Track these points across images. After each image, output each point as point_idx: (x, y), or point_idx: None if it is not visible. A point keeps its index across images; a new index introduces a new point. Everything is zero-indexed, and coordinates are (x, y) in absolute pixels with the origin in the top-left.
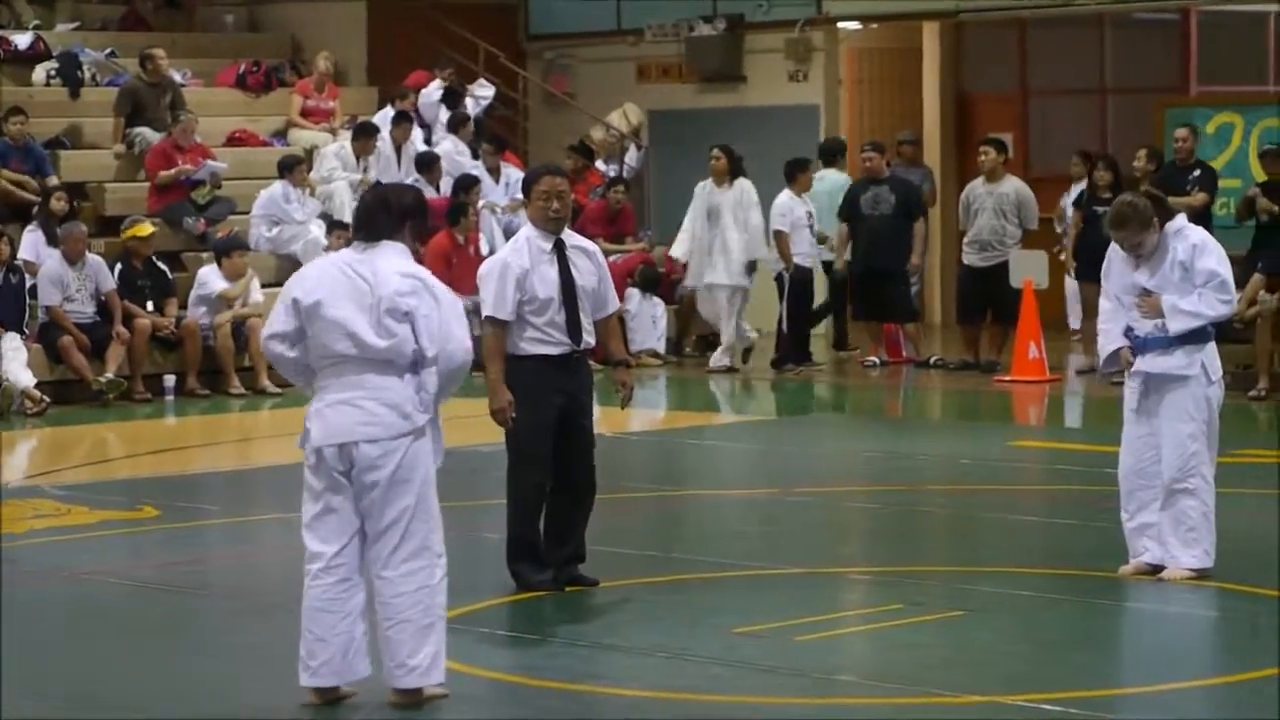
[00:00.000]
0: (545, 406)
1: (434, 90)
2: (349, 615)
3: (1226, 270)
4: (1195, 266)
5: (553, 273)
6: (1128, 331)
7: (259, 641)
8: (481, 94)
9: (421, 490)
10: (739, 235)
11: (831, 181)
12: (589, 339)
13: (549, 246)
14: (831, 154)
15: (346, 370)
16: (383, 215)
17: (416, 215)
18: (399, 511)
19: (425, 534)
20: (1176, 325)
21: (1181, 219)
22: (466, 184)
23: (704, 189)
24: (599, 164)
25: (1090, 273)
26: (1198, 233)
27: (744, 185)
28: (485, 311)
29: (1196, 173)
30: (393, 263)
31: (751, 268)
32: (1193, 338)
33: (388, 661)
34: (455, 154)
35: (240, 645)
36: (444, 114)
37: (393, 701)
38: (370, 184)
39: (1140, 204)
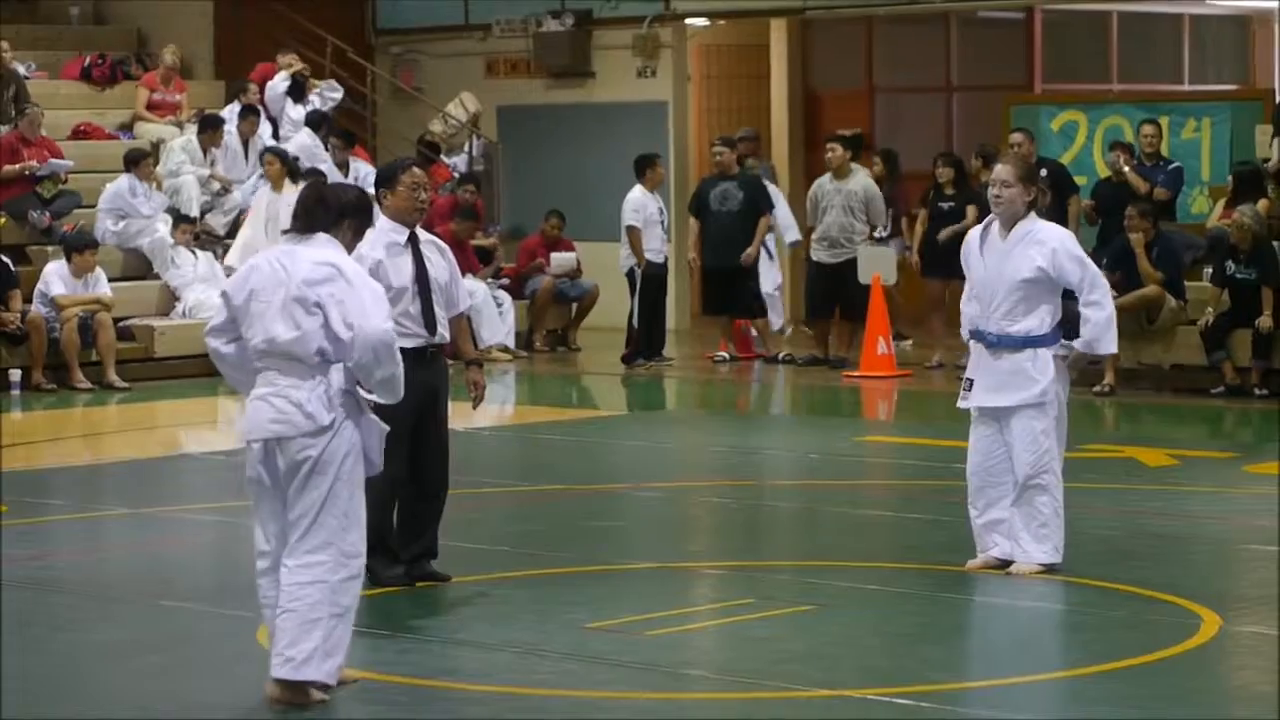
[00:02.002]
0: (400, 401)
1: (280, 82)
2: None
3: (1081, 251)
4: (1064, 267)
5: (407, 264)
6: (975, 332)
7: (104, 639)
8: (331, 94)
9: (335, 486)
10: None
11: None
12: (444, 333)
13: (403, 239)
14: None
15: (267, 365)
16: (319, 211)
17: (356, 213)
18: (309, 504)
19: (334, 530)
20: (1109, 337)
21: (1047, 222)
22: (311, 175)
23: (261, 196)
24: (443, 158)
25: (934, 269)
26: (1054, 233)
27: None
28: None
29: (1043, 172)
30: (313, 252)
31: None
32: (1040, 340)
33: (271, 649)
34: (312, 148)
35: (84, 642)
36: (291, 108)
37: (269, 693)
38: (220, 177)
39: (1027, 162)
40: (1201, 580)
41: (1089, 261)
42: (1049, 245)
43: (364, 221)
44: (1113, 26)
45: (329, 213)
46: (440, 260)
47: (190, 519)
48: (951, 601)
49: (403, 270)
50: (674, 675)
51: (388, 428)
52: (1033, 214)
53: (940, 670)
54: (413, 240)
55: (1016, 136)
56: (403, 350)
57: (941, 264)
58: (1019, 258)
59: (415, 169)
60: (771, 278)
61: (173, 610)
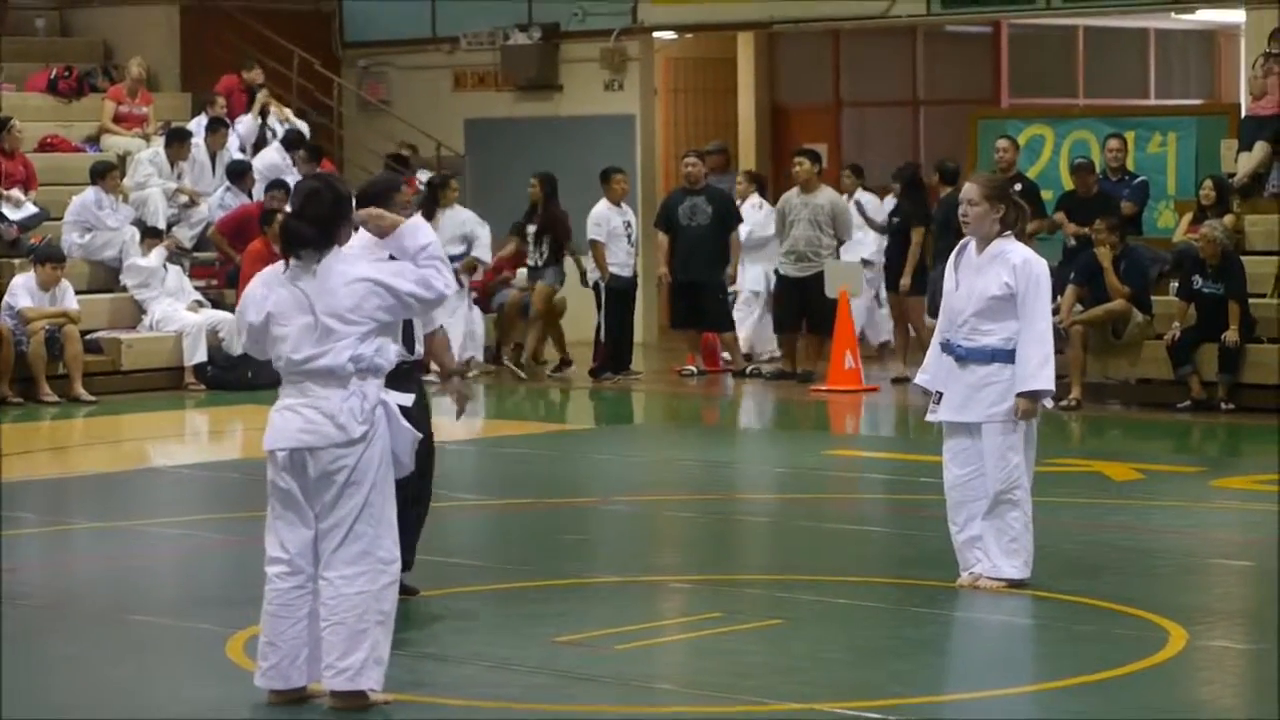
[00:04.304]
0: None
1: (247, 118)
2: (300, 621)
3: (1048, 288)
4: (1021, 282)
5: None
6: (946, 344)
7: (69, 652)
8: (300, 126)
9: (370, 495)
10: None
11: None
12: (419, 348)
13: (385, 255)
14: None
15: (294, 377)
16: (316, 234)
17: (342, 211)
18: (343, 514)
19: (371, 538)
20: (1044, 374)
21: (1013, 242)
22: (275, 187)
23: None
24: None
25: (894, 284)
26: (1024, 252)
27: None
28: None
29: (1017, 186)
30: (338, 272)
31: None
32: (1009, 355)
33: (323, 661)
34: (281, 165)
35: (49, 655)
36: (245, 126)
37: (330, 704)
38: (187, 190)
39: (1001, 182)
40: (1168, 594)
41: (1045, 291)
42: (1013, 262)
43: (348, 208)
44: (1079, 41)
45: (324, 226)
46: None
47: (157, 532)
48: (919, 616)
49: None
50: (642, 689)
51: (420, 435)
52: (1009, 234)
53: (908, 684)
54: (394, 257)
55: (1002, 143)
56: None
57: (897, 278)
58: (989, 274)
59: (405, 188)
60: (456, 310)
61: (138, 624)
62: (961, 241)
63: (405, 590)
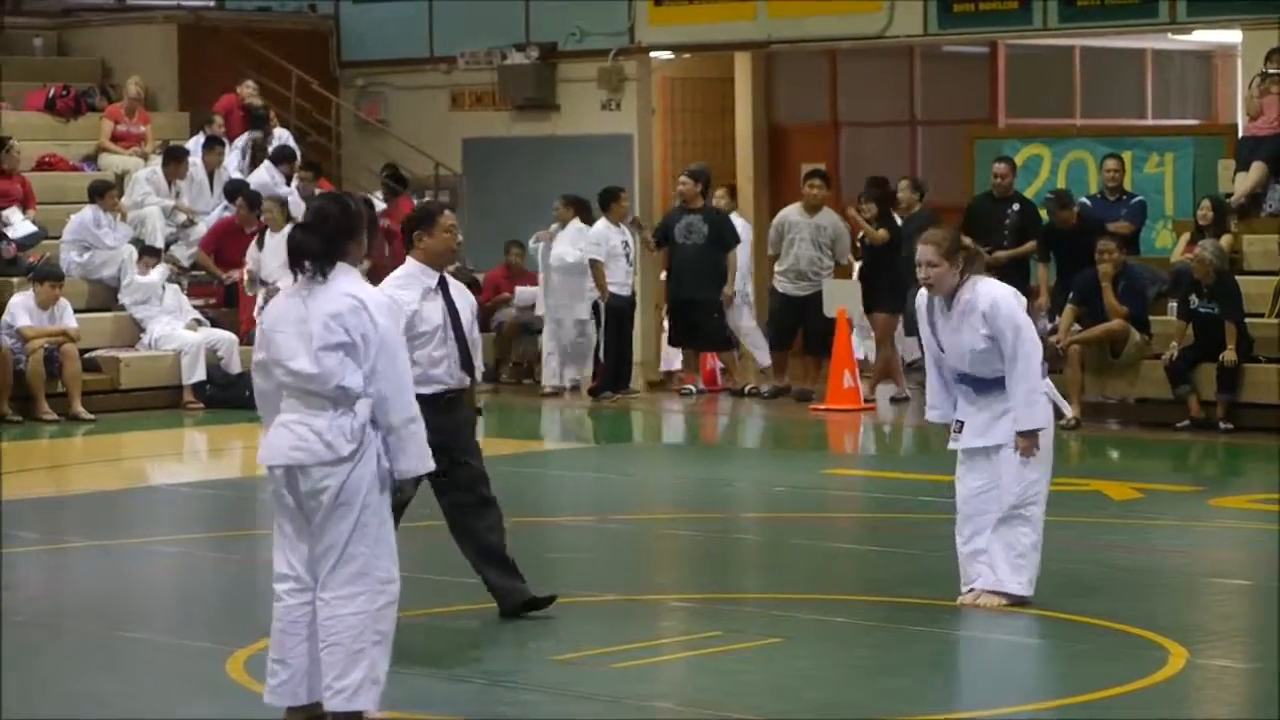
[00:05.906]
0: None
1: (241, 140)
2: (310, 638)
3: (1024, 319)
4: (996, 326)
5: (438, 308)
6: (959, 376)
7: (73, 670)
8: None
9: (363, 515)
10: None
11: None
12: (477, 375)
13: (434, 283)
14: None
15: (290, 394)
16: (325, 248)
17: (354, 227)
18: (336, 534)
19: (367, 559)
20: (1035, 412)
21: (983, 280)
22: (251, 200)
23: None
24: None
25: (873, 304)
26: (987, 297)
27: None
28: None
29: (1015, 206)
30: (336, 285)
31: None
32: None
33: (322, 681)
34: (271, 184)
35: (47, 673)
36: (242, 143)
37: None
38: (184, 208)
39: (953, 236)
40: (1167, 613)
41: (1022, 324)
42: (981, 310)
43: (358, 226)
44: (1076, 61)
45: (328, 241)
46: (464, 301)
47: (155, 550)
48: (919, 634)
49: (435, 315)
50: (640, 707)
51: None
52: (969, 279)
53: (907, 703)
54: (443, 283)
55: (1000, 167)
56: (419, 397)
57: (877, 299)
58: (967, 331)
59: (449, 211)
60: None
61: (136, 642)
62: (925, 295)
63: (538, 603)
